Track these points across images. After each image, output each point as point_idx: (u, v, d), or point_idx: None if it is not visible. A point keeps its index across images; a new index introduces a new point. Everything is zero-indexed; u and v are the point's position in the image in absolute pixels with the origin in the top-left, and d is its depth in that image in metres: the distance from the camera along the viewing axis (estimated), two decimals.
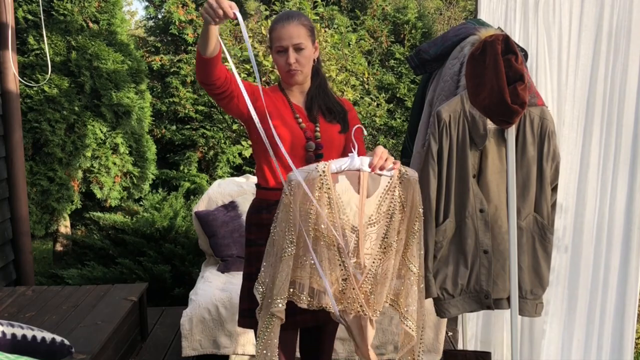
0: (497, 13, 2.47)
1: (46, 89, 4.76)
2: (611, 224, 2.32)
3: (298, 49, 2.03)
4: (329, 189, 1.78)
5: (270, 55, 5.32)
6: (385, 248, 1.84)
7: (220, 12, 1.73)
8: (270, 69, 5.45)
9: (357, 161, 1.81)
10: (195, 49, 6.04)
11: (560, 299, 2.30)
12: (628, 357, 2.28)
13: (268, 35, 2.12)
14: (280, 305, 1.79)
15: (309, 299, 1.82)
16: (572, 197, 2.30)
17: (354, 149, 1.84)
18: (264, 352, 1.82)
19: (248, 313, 2.09)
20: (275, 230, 1.82)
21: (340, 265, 1.81)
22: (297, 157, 2.04)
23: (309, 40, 2.06)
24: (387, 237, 1.84)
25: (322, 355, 2.26)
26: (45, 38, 4.58)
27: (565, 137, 2.28)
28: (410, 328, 1.88)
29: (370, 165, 1.83)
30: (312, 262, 1.78)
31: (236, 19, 1.75)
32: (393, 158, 1.85)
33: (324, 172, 1.78)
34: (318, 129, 2.12)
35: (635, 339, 3.35)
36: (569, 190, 2.28)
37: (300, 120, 2.11)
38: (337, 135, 2.14)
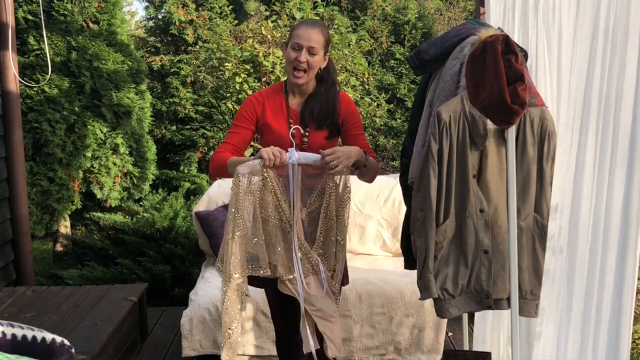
0: (496, 13, 2.46)
1: (46, 89, 4.76)
2: (607, 223, 2.30)
3: (310, 52, 2.23)
4: (270, 178, 2.11)
5: (271, 55, 5.37)
6: (326, 220, 2.20)
7: (279, 160, 2.07)
8: (270, 69, 5.45)
9: (294, 156, 2.11)
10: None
11: (555, 300, 2.30)
12: (624, 358, 2.28)
13: (290, 33, 2.34)
14: (239, 279, 2.09)
15: (267, 271, 2.13)
16: (567, 197, 2.29)
17: (293, 145, 2.16)
18: (225, 316, 2.13)
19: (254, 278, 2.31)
20: (228, 217, 2.11)
21: (289, 240, 2.16)
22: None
23: (323, 50, 2.27)
24: (327, 212, 2.19)
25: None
26: (45, 38, 4.58)
27: (560, 136, 2.27)
28: (335, 289, 2.26)
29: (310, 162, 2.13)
30: (261, 241, 2.12)
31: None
32: (342, 160, 2.10)
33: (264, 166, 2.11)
34: (307, 134, 2.30)
35: (635, 339, 3.35)
36: (564, 190, 2.28)
37: (293, 125, 2.29)
38: (324, 141, 2.31)
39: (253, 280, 2.31)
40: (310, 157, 2.14)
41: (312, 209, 2.22)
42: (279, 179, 2.13)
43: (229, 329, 2.11)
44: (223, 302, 2.11)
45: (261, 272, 2.12)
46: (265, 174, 2.11)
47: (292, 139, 2.19)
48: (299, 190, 2.16)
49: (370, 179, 2.36)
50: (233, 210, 2.08)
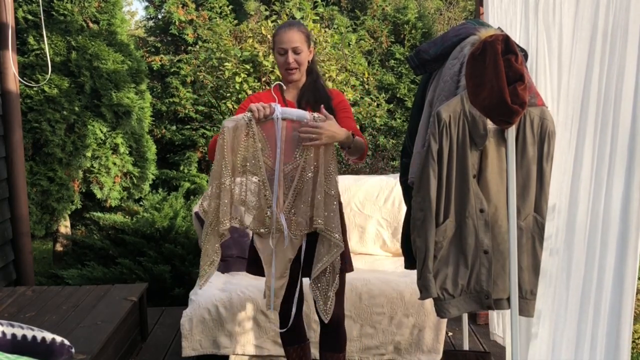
0: (499, 13, 2.46)
1: (46, 89, 4.76)
2: (606, 223, 2.30)
3: (296, 52, 2.42)
4: (254, 134, 2.24)
5: (271, 55, 5.38)
6: (301, 177, 2.27)
7: (268, 111, 2.23)
8: (270, 69, 5.45)
9: (278, 110, 2.24)
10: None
11: (551, 300, 2.29)
12: (625, 357, 2.27)
13: (272, 39, 2.52)
14: (227, 224, 2.25)
15: (246, 223, 2.29)
16: (565, 197, 2.29)
17: (276, 101, 2.29)
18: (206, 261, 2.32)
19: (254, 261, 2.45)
20: (214, 167, 2.24)
21: (264, 196, 2.28)
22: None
23: (305, 45, 2.45)
24: (304, 171, 2.26)
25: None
26: (45, 38, 4.58)
27: (559, 137, 2.27)
28: (337, 239, 2.28)
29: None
30: (242, 192, 2.27)
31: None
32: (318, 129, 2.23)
33: (250, 120, 2.23)
34: None
35: (635, 339, 3.35)
36: (562, 190, 2.28)
37: None
38: None
39: (254, 269, 2.47)
40: (293, 112, 2.28)
41: (294, 166, 2.31)
42: (263, 135, 2.27)
43: (205, 267, 2.33)
44: (203, 244, 2.30)
45: (241, 224, 2.29)
46: (250, 129, 2.23)
47: (273, 94, 2.37)
48: (283, 145, 2.27)
49: (357, 158, 2.47)
50: (218, 161, 2.23)
